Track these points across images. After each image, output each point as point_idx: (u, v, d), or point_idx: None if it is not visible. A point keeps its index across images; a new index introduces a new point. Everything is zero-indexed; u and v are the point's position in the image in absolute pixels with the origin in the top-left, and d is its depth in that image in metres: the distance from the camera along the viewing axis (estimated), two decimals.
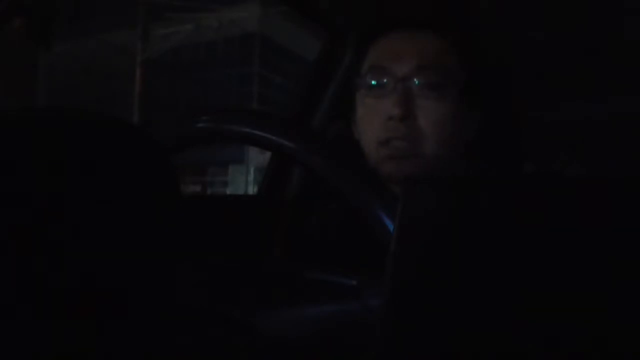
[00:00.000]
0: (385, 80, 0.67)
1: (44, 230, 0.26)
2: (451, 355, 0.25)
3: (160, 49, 11.91)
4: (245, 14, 12.95)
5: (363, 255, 0.44)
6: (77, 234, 0.27)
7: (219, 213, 0.91)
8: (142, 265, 0.29)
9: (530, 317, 0.24)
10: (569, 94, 1.05)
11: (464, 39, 0.71)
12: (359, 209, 0.40)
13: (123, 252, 0.28)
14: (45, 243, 0.26)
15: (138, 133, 0.31)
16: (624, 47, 0.87)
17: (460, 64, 0.68)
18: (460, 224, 0.28)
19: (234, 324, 0.38)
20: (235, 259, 0.53)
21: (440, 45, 0.68)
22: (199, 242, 0.39)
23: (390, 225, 0.38)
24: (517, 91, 0.94)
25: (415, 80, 0.65)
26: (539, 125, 1.05)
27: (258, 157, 11.53)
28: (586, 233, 0.25)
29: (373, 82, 0.68)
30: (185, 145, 0.50)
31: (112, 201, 0.28)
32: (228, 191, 12.94)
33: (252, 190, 11.59)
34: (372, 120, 0.68)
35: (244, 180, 12.75)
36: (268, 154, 1.09)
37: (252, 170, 12.56)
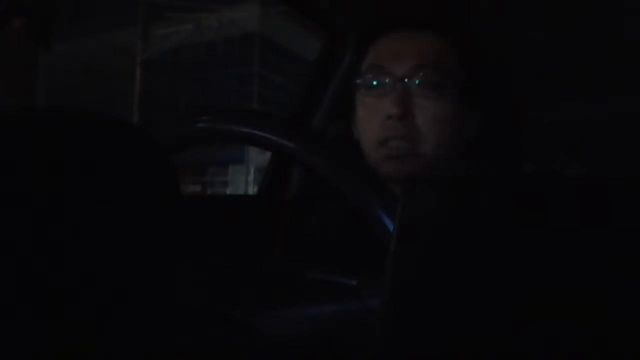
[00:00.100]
0: (384, 80, 0.67)
1: (44, 230, 0.26)
2: (451, 355, 0.25)
3: (160, 49, 11.91)
4: (245, 14, 12.95)
5: (363, 255, 0.44)
6: (77, 234, 0.27)
7: (219, 213, 0.91)
8: (142, 265, 0.29)
9: (530, 317, 0.24)
10: (569, 94, 1.05)
11: (464, 39, 0.71)
12: (359, 209, 0.40)
13: (123, 252, 0.28)
14: (45, 243, 0.26)
15: (138, 133, 0.31)
16: (624, 47, 0.87)
17: (460, 64, 0.68)
18: (460, 224, 0.28)
19: (234, 324, 0.38)
20: (235, 259, 0.53)
21: (440, 45, 0.68)
22: (199, 242, 0.39)
23: (390, 225, 0.38)
24: (517, 91, 0.94)
25: (414, 79, 0.66)
26: (539, 125, 1.05)
27: (258, 157, 11.54)
28: (586, 233, 0.25)
29: (372, 82, 0.68)
30: (185, 145, 0.50)
31: (112, 201, 0.28)
32: (228, 191, 12.94)
33: (252, 190, 11.59)
34: (372, 120, 0.68)
35: (244, 180, 12.75)
36: (268, 154, 1.09)
37: (252, 170, 12.56)
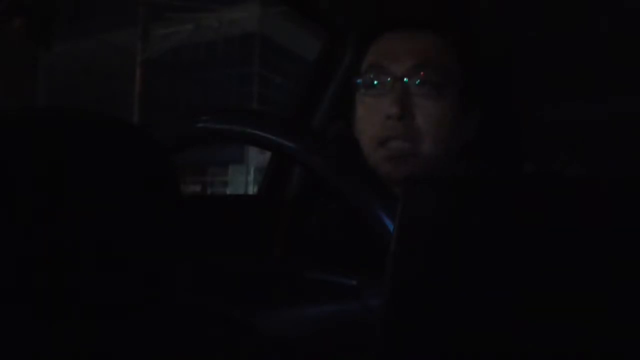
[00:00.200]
0: (384, 80, 0.67)
1: (44, 230, 0.26)
2: (451, 355, 0.25)
3: (160, 49, 11.92)
4: (245, 14, 12.95)
5: (363, 255, 0.44)
6: (77, 234, 0.27)
7: (219, 213, 0.91)
8: (142, 265, 0.29)
9: (530, 317, 0.24)
10: (569, 94, 1.05)
11: (464, 39, 0.71)
12: (359, 209, 0.40)
13: (123, 252, 0.28)
14: (46, 243, 0.26)
15: (138, 133, 0.31)
16: (624, 47, 0.87)
17: (460, 64, 0.69)
18: (460, 224, 0.28)
19: (234, 324, 0.38)
20: (235, 259, 0.53)
21: (440, 45, 0.68)
22: (199, 242, 0.39)
23: (390, 225, 0.38)
24: (517, 91, 0.94)
25: (414, 79, 0.66)
26: (539, 125, 1.05)
27: (258, 157, 11.54)
28: (586, 233, 0.25)
29: (372, 82, 0.68)
30: (185, 145, 0.50)
31: (112, 201, 0.28)
32: (228, 191, 12.94)
33: (252, 190, 11.58)
34: (371, 120, 0.68)
35: (244, 180, 12.75)
36: (268, 154, 1.09)
37: (252, 170, 12.56)
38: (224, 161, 13.00)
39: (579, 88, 1.02)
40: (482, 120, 0.71)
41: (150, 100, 10.87)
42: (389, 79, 0.66)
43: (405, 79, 0.66)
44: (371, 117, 0.68)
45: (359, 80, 0.70)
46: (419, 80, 0.66)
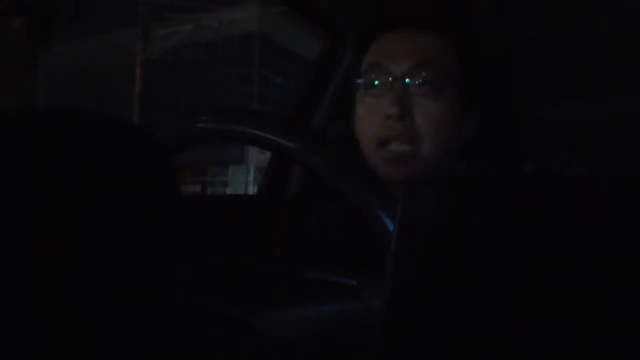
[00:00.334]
0: (383, 79, 0.67)
1: (44, 230, 0.26)
2: (451, 355, 0.25)
3: (160, 49, 11.92)
4: (245, 14, 12.95)
5: (363, 255, 0.44)
6: (77, 234, 0.27)
7: (219, 213, 0.91)
8: (142, 265, 0.29)
9: (530, 317, 0.24)
10: (569, 94, 1.05)
11: (464, 39, 0.71)
12: (359, 209, 0.40)
13: (123, 252, 0.28)
14: (46, 243, 0.26)
15: (138, 133, 0.31)
16: (624, 47, 0.87)
17: (460, 64, 0.68)
18: (460, 224, 0.28)
19: (234, 324, 0.38)
20: (235, 259, 0.53)
21: (440, 45, 0.68)
22: (199, 242, 0.39)
23: (390, 225, 0.38)
24: (517, 91, 0.94)
25: (414, 79, 0.65)
26: (539, 125, 1.05)
27: (258, 157, 11.54)
28: (586, 233, 0.25)
29: (372, 81, 0.68)
30: (185, 145, 0.50)
31: (112, 201, 0.28)
32: (228, 191, 12.94)
33: (252, 190, 11.59)
34: (371, 120, 0.68)
35: (244, 180, 12.75)
36: (268, 154, 1.09)
37: (252, 170, 12.56)
38: (224, 161, 13.00)
39: (579, 88, 1.02)
40: (482, 120, 0.71)
41: (150, 100, 10.87)
42: (389, 79, 0.66)
43: (405, 79, 0.66)
44: (371, 117, 0.68)
45: (359, 81, 0.70)
46: (418, 80, 0.65)
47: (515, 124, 0.87)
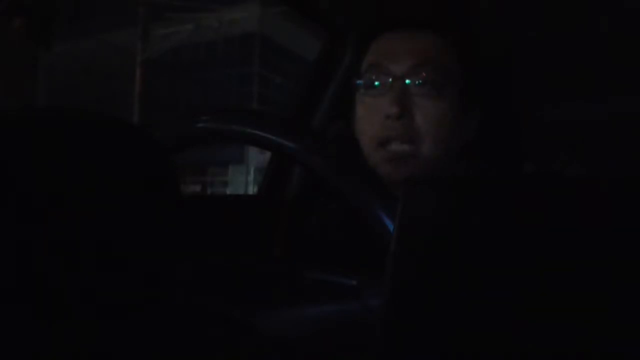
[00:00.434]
0: (383, 79, 0.67)
1: (43, 230, 0.26)
2: (451, 355, 0.25)
3: (160, 49, 11.92)
4: (245, 14, 12.96)
5: (363, 255, 0.44)
6: (77, 234, 0.27)
7: (219, 213, 0.91)
8: (142, 265, 0.29)
9: (530, 317, 0.24)
10: (569, 94, 1.05)
11: (464, 39, 0.71)
12: (359, 209, 0.40)
13: (123, 252, 0.28)
14: (45, 243, 0.26)
15: (138, 133, 0.31)
16: (624, 47, 0.87)
17: (460, 64, 0.68)
18: (460, 224, 0.28)
19: (234, 324, 0.38)
20: (235, 259, 0.53)
21: (440, 45, 0.68)
22: (199, 242, 0.39)
23: (390, 225, 0.38)
24: (517, 91, 0.94)
25: (414, 79, 0.65)
26: (539, 125, 1.05)
27: (258, 157, 11.54)
28: (586, 233, 0.25)
29: (372, 81, 0.68)
30: (185, 145, 0.50)
31: (112, 201, 0.28)
32: (228, 191, 12.94)
33: (252, 190, 11.58)
34: (371, 120, 0.68)
35: (244, 180, 12.75)
36: (268, 154, 1.09)
37: (252, 170, 12.56)
38: (224, 161, 13.00)
39: (579, 88, 1.02)
40: (482, 120, 0.71)
41: (150, 100, 10.87)
42: (389, 79, 0.66)
43: (405, 79, 0.66)
44: (371, 117, 0.68)
45: (359, 81, 0.70)
46: (418, 80, 0.65)
47: (515, 124, 0.87)
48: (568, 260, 0.25)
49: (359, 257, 0.46)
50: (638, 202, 0.25)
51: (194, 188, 12.82)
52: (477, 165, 0.70)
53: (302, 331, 0.40)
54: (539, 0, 0.82)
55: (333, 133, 0.85)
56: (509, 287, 0.25)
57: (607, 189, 0.26)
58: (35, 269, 0.25)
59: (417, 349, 0.26)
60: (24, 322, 0.25)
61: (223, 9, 12.80)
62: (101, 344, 0.27)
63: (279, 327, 0.39)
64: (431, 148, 0.65)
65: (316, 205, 0.80)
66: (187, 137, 0.50)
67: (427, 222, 0.29)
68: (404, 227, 0.29)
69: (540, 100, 1.05)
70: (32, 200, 0.26)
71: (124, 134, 0.31)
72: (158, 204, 0.30)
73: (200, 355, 0.34)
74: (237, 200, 1.11)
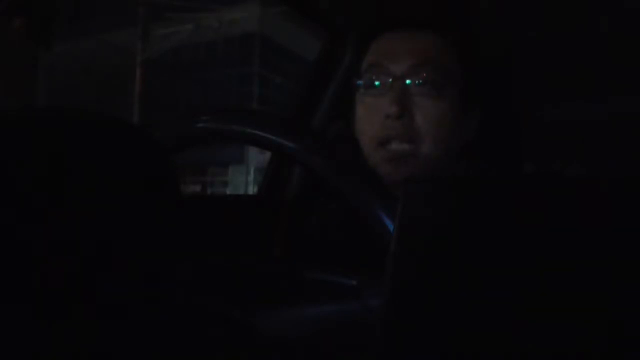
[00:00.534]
0: (383, 79, 0.67)
1: (44, 230, 0.26)
2: (451, 355, 0.25)
3: (160, 49, 11.93)
4: (245, 14, 12.95)
5: (363, 255, 0.44)
6: (77, 234, 0.27)
7: (219, 213, 0.91)
8: (142, 265, 0.29)
9: (530, 317, 0.24)
10: (569, 94, 1.05)
11: (464, 39, 0.71)
12: (359, 209, 0.40)
13: (123, 252, 0.28)
14: (45, 243, 0.26)
15: (138, 133, 0.31)
16: (624, 47, 0.87)
17: (460, 64, 0.68)
18: (460, 224, 0.28)
19: (234, 324, 0.38)
20: (235, 259, 0.53)
21: (440, 45, 0.68)
22: (199, 242, 0.39)
23: (390, 225, 0.38)
24: (517, 91, 0.94)
25: (414, 79, 0.65)
26: (539, 125, 1.05)
27: (258, 157, 11.54)
28: (586, 233, 0.25)
29: (371, 81, 0.68)
30: (185, 145, 0.50)
31: (112, 201, 0.28)
32: (228, 191, 12.93)
33: (252, 190, 11.58)
34: (371, 120, 0.68)
35: (244, 180, 12.75)
36: (268, 154, 1.09)
37: (252, 170, 12.56)
38: (224, 161, 13.00)
39: (579, 88, 1.02)
40: (482, 120, 0.71)
41: (150, 100, 10.87)
42: (389, 79, 0.66)
43: (405, 79, 0.66)
44: (371, 117, 0.68)
45: (359, 81, 0.70)
46: (419, 80, 0.65)
47: (515, 124, 0.87)
48: (568, 260, 0.25)
49: (359, 257, 0.46)
50: (638, 202, 0.25)
51: (194, 188, 12.82)
52: (477, 165, 0.70)
53: (302, 331, 0.40)
54: (539, 0, 0.82)
55: (333, 133, 0.85)
56: (509, 287, 0.25)
57: (607, 189, 0.26)
58: (35, 269, 0.25)
59: (417, 349, 0.26)
60: (24, 322, 0.25)
61: (223, 9, 12.80)
62: (101, 344, 0.27)
63: (279, 327, 0.39)
64: (431, 148, 0.65)
65: (316, 205, 0.79)
66: (187, 137, 0.50)
67: (427, 222, 0.29)
68: (404, 227, 0.29)
69: (540, 100, 1.05)
70: (32, 200, 0.26)
71: (124, 134, 0.31)
72: (158, 204, 0.30)
73: (200, 355, 0.34)
74: (237, 200, 1.11)
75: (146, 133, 0.31)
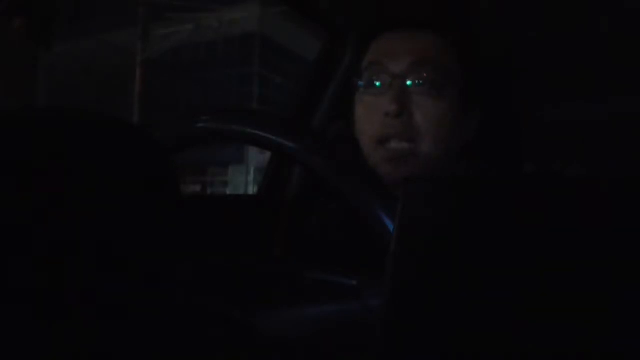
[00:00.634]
0: (383, 78, 0.67)
1: (43, 230, 0.26)
2: (451, 355, 0.25)
3: (160, 49, 11.93)
4: (245, 14, 12.96)
5: (363, 255, 0.44)
6: (77, 234, 0.27)
7: (219, 213, 0.91)
8: (142, 265, 0.29)
9: (530, 317, 0.24)
10: (569, 94, 1.05)
11: (464, 39, 0.71)
12: (359, 209, 0.40)
13: (123, 252, 0.28)
14: (45, 243, 0.26)
15: (138, 133, 0.31)
16: (624, 47, 0.87)
17: (460, 64, 0.68)
18: (460, 224, 0.28)
19: (234, 324, 0.38)
20: (235, 259, 0.53)
21: (440, 45, 0.68)
22: (199, 242, 0.39)
23: (390, 225, 0.38)
24: (517, 91, 0.94)
25: (414, 78, 0.66)
26: (539, 125, 1.05)
27: (258, 157, 11.54)
28: (586, 233, 0.25)
29: (371, 80, 0.68)
30: (185, 145, 0.50)
31: (112, 201, 0.28)
32: (228, 191, 12.93)
33: (252, 190, 11.59)
34: (370, 119, 0.68)
35: (244, 180, 12.75)
36: (268, 154, 1.09)
37: (252, 170, 12.56)
38: (224, 161, 13.00)
39: (579, 88, 1.02)
40: (482, 120, 0.71)
41: (150, 100, 10.87)
42: (389, 78, 0.66)
43: (405, 79, 0.66)
44: (370, 116, 0.68)
45: (359, 81, 0.70)
46: (418, 80, 0.66)
47: (515, 124, 0.87)
48: (568, 260, 0.25)
49: (359, 257, 0.46)
50: (638, 202, 0.25)
51: (194, 188, 12.82)
52: (477, 165, 0.70)
53: (302, 331, 0.40)
54: (539, 0, 0.82)
55: (333, 133, 0.85)
56: (509, 287, 0.25)
57: (607, 189, 0.26)
58: (36, 269, 0.25)
59: (417, 349, 0.26)
60: (24, 322, 0.25)
61: (223, 9, 12.81)
62: (101, 344, 0.27)
63: (279, 327, 0.39)
64: (431, 147, 0.65)
65: (316, 205, 0.79)
66: (187, 137, 0.50)
67: (427, 222, 0.29)
68: (404, 227, 0.29)
69: (540, 100, 1.05)
70: (32, 200, 0.26)
71: (124, 134, 0.31)
72: (158, 204, 0.30)
73: (200, 355, 0.34)
74: (237, 200, 1.11)
75: (146, 133, 0.31)
